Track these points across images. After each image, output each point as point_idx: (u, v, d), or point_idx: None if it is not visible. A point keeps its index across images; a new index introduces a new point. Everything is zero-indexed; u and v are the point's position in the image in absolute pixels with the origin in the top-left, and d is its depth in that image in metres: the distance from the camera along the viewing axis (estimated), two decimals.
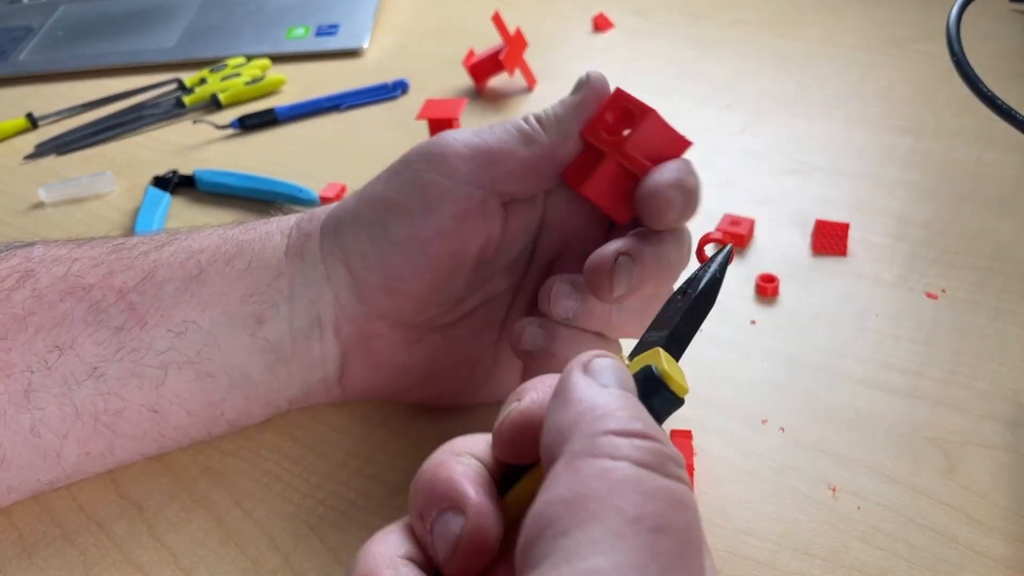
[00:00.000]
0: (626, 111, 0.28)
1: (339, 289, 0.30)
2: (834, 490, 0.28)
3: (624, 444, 0.17)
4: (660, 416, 0.20)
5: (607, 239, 0.28)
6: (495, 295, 0.31)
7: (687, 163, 0.28)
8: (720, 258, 0.24)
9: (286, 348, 0.30)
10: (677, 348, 0.22)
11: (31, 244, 0.30)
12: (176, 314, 0.29)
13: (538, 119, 0.29)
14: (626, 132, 0.28)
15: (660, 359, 0.20)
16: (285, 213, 0.33)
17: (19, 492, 0.29)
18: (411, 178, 0.29)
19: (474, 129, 0.30)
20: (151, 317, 0.29)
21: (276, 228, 0.32)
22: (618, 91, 0.29)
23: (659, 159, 0.28)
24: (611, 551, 0.15)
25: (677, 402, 0.20)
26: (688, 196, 0.27)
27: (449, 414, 0.33)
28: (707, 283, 0.23)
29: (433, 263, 0.29)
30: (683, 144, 0.29)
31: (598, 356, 0.20)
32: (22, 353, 0.27)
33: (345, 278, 0.30)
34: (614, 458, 0.16)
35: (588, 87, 0.30)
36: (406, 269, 0.29)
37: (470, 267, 0.30)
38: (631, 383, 0.19)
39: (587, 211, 0.30)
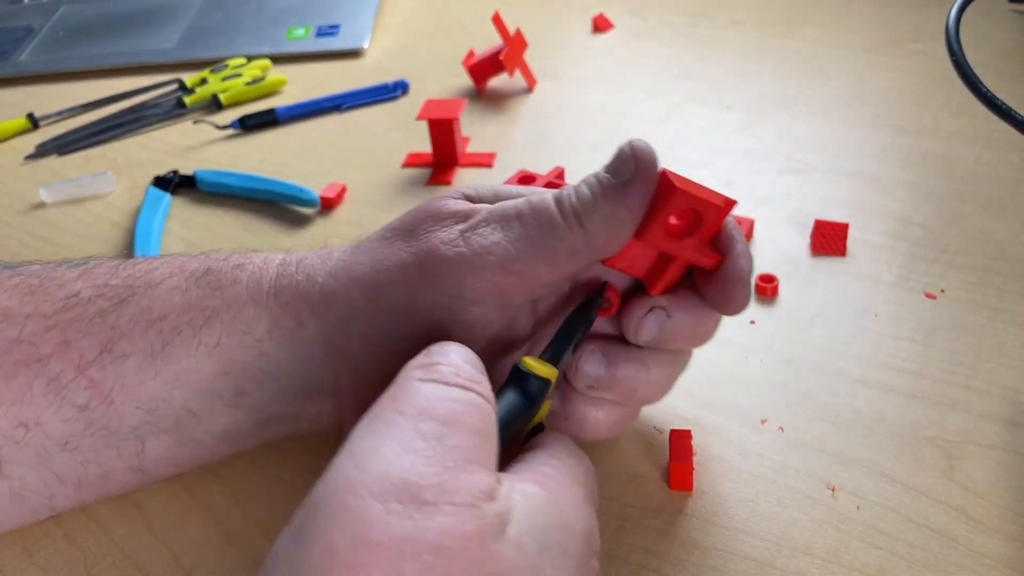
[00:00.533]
0: (694, 213, 0.25)
1: (340, 375, 0.28)
2: (833, 490, 0.28)
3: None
4: (537, 395, 0.25)
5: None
6: (519, 335, 0.29)
7: (748, 250, 0.26)
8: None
9: (276, 412, 0.28)
10: (553, 355, 0.26)
11: None
12: (143, 392, 0.27)
13: (576, 212, 0.25)
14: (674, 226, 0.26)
15: (525, 360, 0.25)
16: (237, 265, 0.29)
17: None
18: (435, 306, 0.26)
19: (499, 215, 0.26)
20: (116, 395, 0.27)
21: (246, 293, 0.28)
22: (680, 192, 0.24)
23: (718, 240, 0.26)
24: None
25: (543, 381, 0.25)
26: (750, 283, 0.26)
27: None
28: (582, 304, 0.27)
29: None
30: (729, 207, 0.26)
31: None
32: None
33: (351, 371, 0.27)
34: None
35: (638, 172, 0.25)
36: None
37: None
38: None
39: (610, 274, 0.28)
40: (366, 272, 0.27)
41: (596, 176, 0.26)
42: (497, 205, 0.27)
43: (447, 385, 0.21)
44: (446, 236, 0.26)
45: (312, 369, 0.28)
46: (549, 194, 0.26)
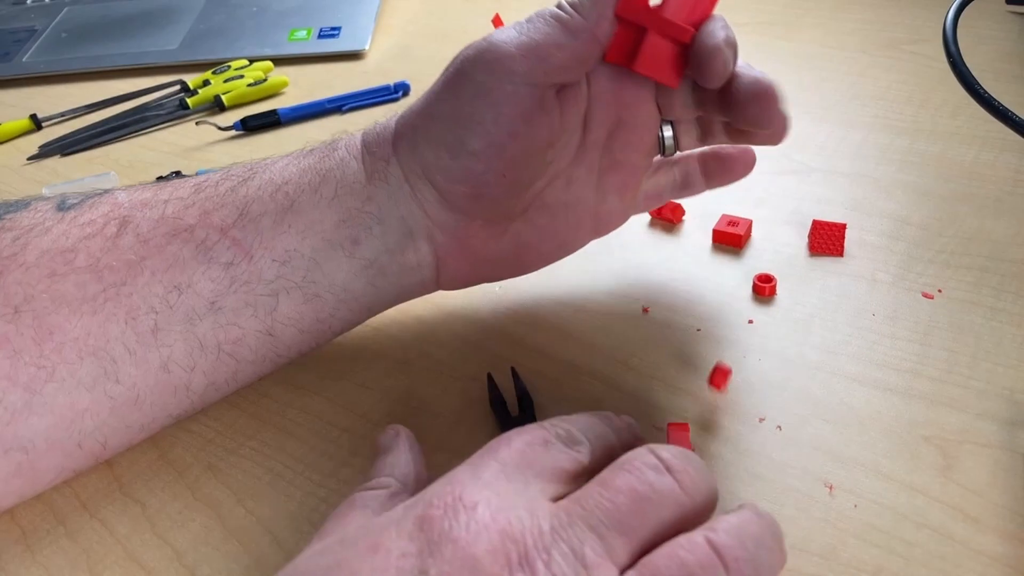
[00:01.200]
0: None
1: (426, 203, 0.32)
2: (831, 488, 0.29)
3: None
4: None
5: (654, 102, 0.32)
6: (558, 173, 0.33)
7: (723, 20, 0.30)
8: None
9: (383, 263, 0.32)
10: None
11: (108, 192, 0.32)
12: (278, 245, 0.31)
13: (572, 5, 0.30)
14: (656, 1, 0.29)
15: None
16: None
17: (150, 429, 0.31)
18: (474, 90, 0.30)
19: (516, 25, 0.30)
20: (256, 250, 0.30)
21: (348, 153, 0.33)
22: None
23: (696, 19, 0.29)
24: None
25: None
26: (734, 49, 0.29)
27: (451, 413, 0.33)
28: None
29: (510, 164, 0.30)
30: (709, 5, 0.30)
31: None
32: (144, 296, 0.29)
33: (430, 193, 0.32)
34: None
35: None
36: (489, 175, 0.30)
37: (540, 158, 0.31)
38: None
39: (629, 80, 0.31)
40: (420, 103, 0.32)
41: None
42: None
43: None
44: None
45: (405, 208, 0.32)
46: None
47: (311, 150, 0.33)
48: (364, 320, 0.34)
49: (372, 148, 0.33)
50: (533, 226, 0.33)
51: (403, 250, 0.32)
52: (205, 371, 0.30)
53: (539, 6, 0.31)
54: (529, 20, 0.30)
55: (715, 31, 0.29)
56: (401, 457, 0.27)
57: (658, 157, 0.35)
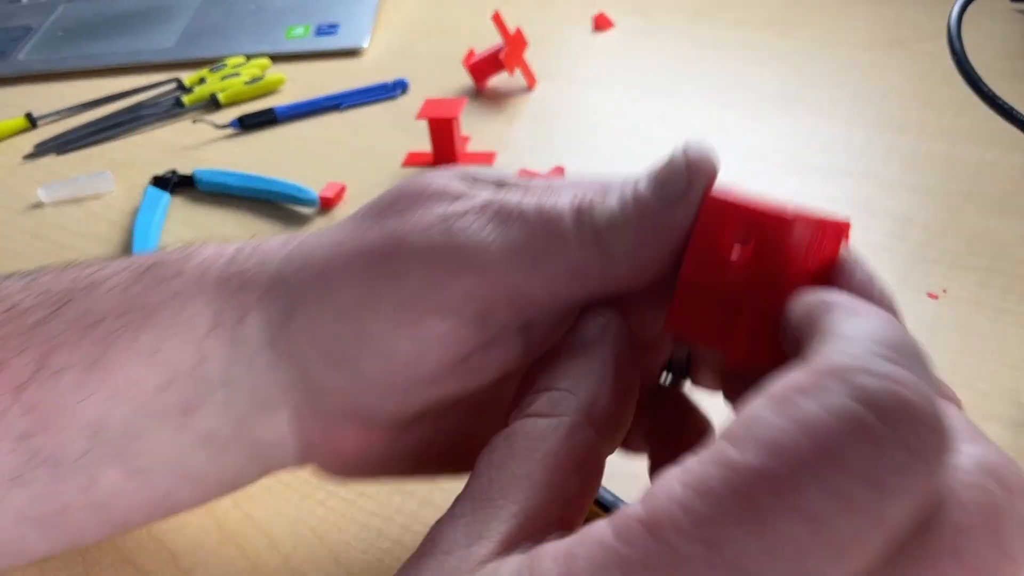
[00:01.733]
0: (754, 227, 0.18)
1: (292, 388, 0.23)
2: None
3: None
4: None
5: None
6: (502, 365, 0.22)
7: (873, 278, 0.19)
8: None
9: (228, 436, 0.23)
10: None
11: None
12: (83, 413, 0.22)
13: (596, 230, 0.20)
14: (735, 251, 0.19)
15: None
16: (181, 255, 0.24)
17: None
18: (401, 301, 0.21)
19: (497, 208, 0.20)
20: (56, 419, 0.22)
21: (191, 288, 0.23)
22: (719, 203, 0.19)
23: (818, 269, 0.18)
24: None
25: None
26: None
27: None
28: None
29: (418, 394, 0.22)
30: (840, 229, 0.19)
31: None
32: None
33: (301, 381, 0.23)
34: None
35: (689, 190, 0.19)
36: (381, 405, 0.22)
37: (465, 390, 0.22)
38: None
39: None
40: (322, 257, 0.22)
41: (633, 189, 0.20)
42: (499, 195, 0.21)
43: None
44: (423, 220, 0.21)
45: (258, 376, 0.23)
46: (566, 199, 0.20)
47: (153, 264, 0.24)
48: (227, 494, 0.25)
49: (229, 288, 0.23)
50: (452, 426, 0.24)
51: (255, 424, 0.23)
52: (34, 539, 0.24)
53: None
54: (523, 214, 0.20)
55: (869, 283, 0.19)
56: (597, 368, 0.19)
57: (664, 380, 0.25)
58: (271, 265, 0.23)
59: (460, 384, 0.22)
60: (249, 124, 0.56)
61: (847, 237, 0.19)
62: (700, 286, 0.19)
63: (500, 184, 0.22)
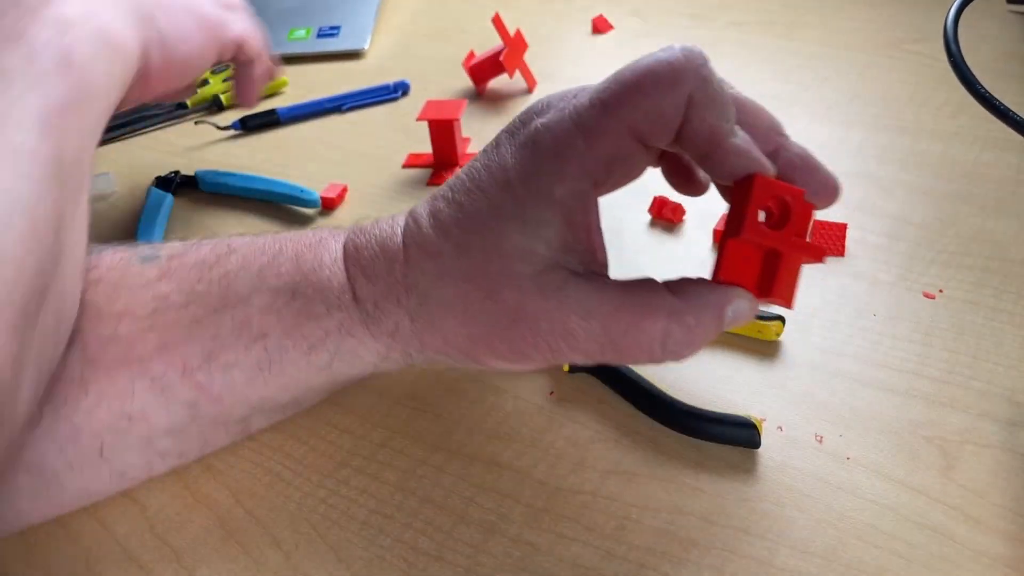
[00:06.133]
0: (780, 202, 0.25)
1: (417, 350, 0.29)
2: (832, 488, 0.28)
3: None
4: None
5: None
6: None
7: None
8: None
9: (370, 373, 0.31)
10: None
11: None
12: (251, 395, 0.29)
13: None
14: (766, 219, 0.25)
15: None
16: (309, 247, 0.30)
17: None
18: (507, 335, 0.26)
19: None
20: (225, 396, 0.29)
21: (346, 329, 0.28)
22: (760, 180, 0.25)
23: (808, 229, 0.26)
24: None
25: None
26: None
27: (450, 414, 0.33)
28: None
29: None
30: (810, 210, 0.26)
31: None
32: (90, 419, 0.27)
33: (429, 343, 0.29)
34: None
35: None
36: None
37: None
38: None
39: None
40: (449, 328, 0.27)
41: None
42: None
43: None
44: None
45: (412, 360, 0.30)
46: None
47: (292, 294, 0.29)
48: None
49: (384, 339, 0.29)
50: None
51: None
52: (167, 465, 0.30)
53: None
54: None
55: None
56: None
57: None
58: (414, 337, 0.28)
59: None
60: (251, 126, 0.57)
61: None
62: (743, 237, 0.25)
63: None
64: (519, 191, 0.25)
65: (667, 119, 0.24)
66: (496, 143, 0.27)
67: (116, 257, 0.30)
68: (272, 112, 0.57)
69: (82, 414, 0.27)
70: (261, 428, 0.32)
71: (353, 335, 0.28)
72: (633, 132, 0.25)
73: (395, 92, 0.59)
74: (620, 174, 0.26)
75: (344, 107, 0.58)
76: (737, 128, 0.25)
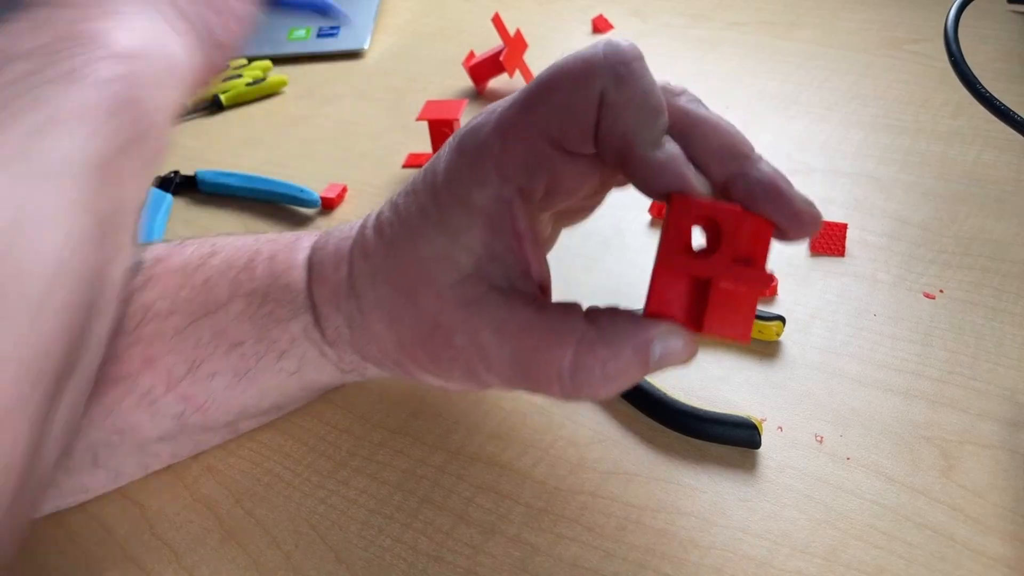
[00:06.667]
0: (709, 222, 0.23)
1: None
2: (832, 488, 0.28)
3: None
4: None
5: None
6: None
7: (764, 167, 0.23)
8: None
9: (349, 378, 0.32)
10: None
11: None
12: (234, 402, 0.30)
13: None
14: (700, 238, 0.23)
15: None
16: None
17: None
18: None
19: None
20: (210, 405, 0.29)
21: (310, 342, 0.29)
22: (682, 201, 0.22)
23: (763, 253, 0.23)
24: None
25: None
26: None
27: (450, 414, 0.33)
28: None
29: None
30: (766, 231, 0.23)
31: None
32: (82, 436, 0.27)
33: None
34: None
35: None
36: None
37: None
38: None
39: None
40: (363, 324, 0.27)
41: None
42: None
43: None
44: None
45: (369, 372, 0.30)
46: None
47: (263, 298, 0.29)
48: None
49: (343, 353, 0.29)
50: None
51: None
52: (161, 464, 0.31)
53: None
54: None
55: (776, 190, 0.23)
56: None
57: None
58: (351, 346, 0.28)
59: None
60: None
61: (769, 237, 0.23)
62: (672, 272, 0.22)
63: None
64: (443, 195, 0.24)
65: (578, 118, 0.22)
66: (444, 146, 0.26)
67: None
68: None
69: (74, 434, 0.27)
70: (251, 429, 0.33)
71: (314, 342, 0.29)
72: (545, 133, 0.23)
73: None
74: (555, 186, 0.24)
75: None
76: (666, 140, 0.22)
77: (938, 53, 0.39)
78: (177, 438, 0.30)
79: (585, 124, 0.22)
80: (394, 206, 0.27)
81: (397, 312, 0.25)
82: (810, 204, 0.23)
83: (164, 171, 0.52)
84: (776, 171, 0.23)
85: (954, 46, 0.35)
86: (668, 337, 0.22)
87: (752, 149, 0.24)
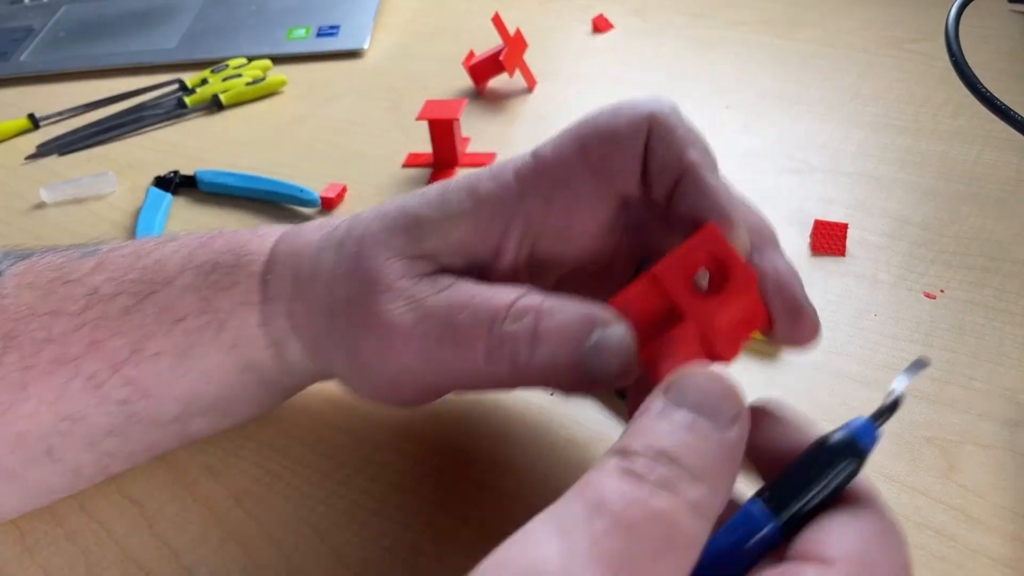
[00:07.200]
0: (719, 266, 0.22)
1: (334, 377, 0.29)
2: None
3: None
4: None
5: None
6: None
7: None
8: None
9: (304, 382, 0.31)
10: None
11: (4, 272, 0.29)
12: (178, 387, 0.28)
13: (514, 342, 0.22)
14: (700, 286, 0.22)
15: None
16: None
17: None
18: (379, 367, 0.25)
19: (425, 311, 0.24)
20: (154, 390, 0.28)
21: (249, 300, 0.28)
22: (714, 231, 0.22)
23: (743, 334, 0.22)
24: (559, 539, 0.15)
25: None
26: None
27: (450, 414, 0.33)
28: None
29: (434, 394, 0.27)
30: (766, 322, 0.23)
31: (687, 375, 0.18)
32: (34, 423, 0.27)
33: (339, 379, 0.29)
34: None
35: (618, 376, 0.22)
36: (401, 396, 0.27)
37: None
38: (709, 404, 0.18)
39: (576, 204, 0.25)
40: (316, 307, 0.27)
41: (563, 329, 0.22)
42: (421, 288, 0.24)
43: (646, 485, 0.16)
44: (381, 315, 0.24)
45: (308, 368, 0.29)
46: (482, 323, 0.23)
47: (212, 267, 0.29)
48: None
49: (273, 308, 0.28)
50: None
51: (327, 371, 0.29)
52: (121, 464, 0.30)
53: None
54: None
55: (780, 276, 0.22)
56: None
57: None
58: (285, 293, 0.28)
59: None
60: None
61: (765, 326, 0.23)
62: (660, 284, 0.22)
63: (444, 211, 0.26)
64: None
65: (623, 142, 0.23)
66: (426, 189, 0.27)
67: (58, 257, 0.30)
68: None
69: (25, 420, 0.27)
70: (204, 433, 0.31)
71: (253, 309, 0.28)
72: (586, 157, 0.24)
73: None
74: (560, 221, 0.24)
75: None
76: (721, 175, 0.23)
77: (939, 52, 0.39)
78: (127, 432, 0.28)
79: (633, 150, 0.23)
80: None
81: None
82: (815, 314, 0.23)
83: (164, 170, 0.52)
84: (794, 270, 0.23)
85: (955, 45, 0.35)
86: (612, 327, 0.21)
87: (777, 240, 0.23)
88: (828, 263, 0.39)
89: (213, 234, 0.30)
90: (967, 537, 0.26)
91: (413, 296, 0.24)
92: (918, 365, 0.21)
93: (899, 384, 0.20)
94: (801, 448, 0.20)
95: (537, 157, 0.25)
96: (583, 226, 0.25)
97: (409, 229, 0.25)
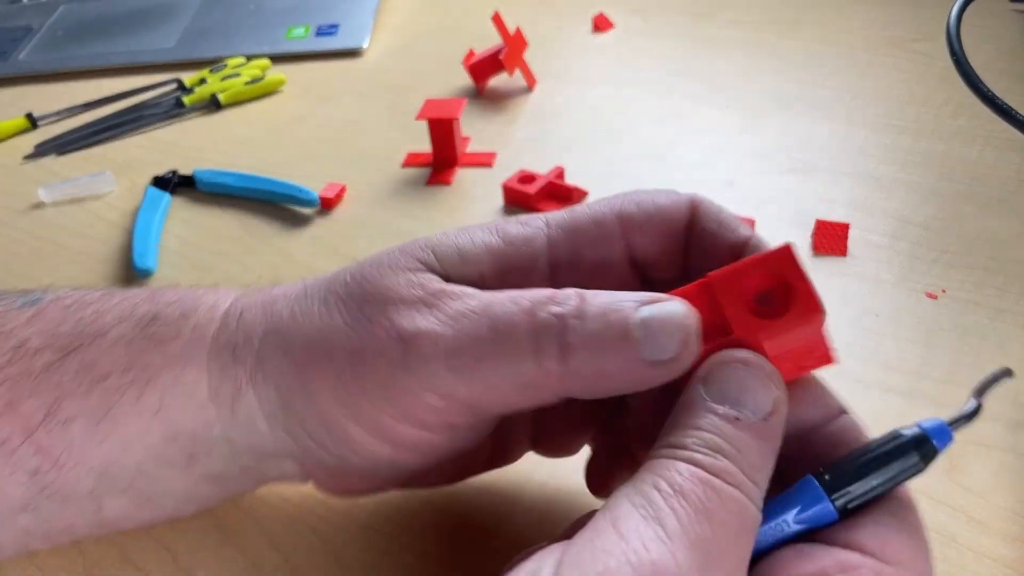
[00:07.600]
0: (787, 291, 0.20)
1: (293, 452, 0.25)
2: None
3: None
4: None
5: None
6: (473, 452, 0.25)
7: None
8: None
9: (233, 475, 0.26)
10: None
11: None
12: (93, 456, 0.24)
13: (562, 345, 0.20)
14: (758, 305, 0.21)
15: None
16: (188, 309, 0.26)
17: None
18: (370, 409, 0.22)
19: (454, 337, 0.21)
20: (65, 460, 0.24)
21: (188, 354, 0.25)
22: (790, 252, 0.21)
23: (795, 367, 0.21)
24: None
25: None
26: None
27: None
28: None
29: (403, 466, 0.24)
30: (826, 359, 0.22)
31: (724, 368, 0.20)
32: None
33: (301, 451, 0.25)
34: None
35: (680, 355, 0.20)
36: (374, 474, 0.25)
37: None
38: (750, 398, 0.20)
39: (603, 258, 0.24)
40: (297, 347, 0.24)
41: (623, 321, 0.20)
42: (453, 304, 0.22)
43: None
44: (384, 343, 0.22)
45: (260, 439, 0.25)
46: (523, 309, 0.21)
47: (152, 319, 0.25)
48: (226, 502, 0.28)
49: (222, 360, 0.25)
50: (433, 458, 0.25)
51: (259, 468, 0.26)
52: (39, 545, 0.27)
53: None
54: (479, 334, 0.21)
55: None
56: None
57: None
58: (254, 342, 0.25)
59: (442, 450, 0.24)
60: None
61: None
62: (711, 293, 0.20)
63: (461, 255, 0.23)
64: None
65: (665, 210, 0.23)
66: None
67: None
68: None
69: None
70: (123, 521, 0.26)
71: (192, 364, 0.25)
72: (623, 223, 0.23)
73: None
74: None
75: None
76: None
77: (940, 52, 0.39)
78: (40, 508, 0.25)
79: (675, 224, 0.23)
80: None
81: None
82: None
83: (162, 170, 0.52)
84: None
85: (956, 45, 0.35)
86: (667, 302, 0.20)
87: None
88: (829, 263, 0.39)
89: (166, 287, 0.28)
90: (969, 538, 0.26)
91: (435, 300, 0.22)
92: (1001, 375, 0.21)
93: (980, 392, 0.21)
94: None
95: (572, 212, 0.24)
96: (606, 286, 0.22)
97: (423, 249, 0.24)
